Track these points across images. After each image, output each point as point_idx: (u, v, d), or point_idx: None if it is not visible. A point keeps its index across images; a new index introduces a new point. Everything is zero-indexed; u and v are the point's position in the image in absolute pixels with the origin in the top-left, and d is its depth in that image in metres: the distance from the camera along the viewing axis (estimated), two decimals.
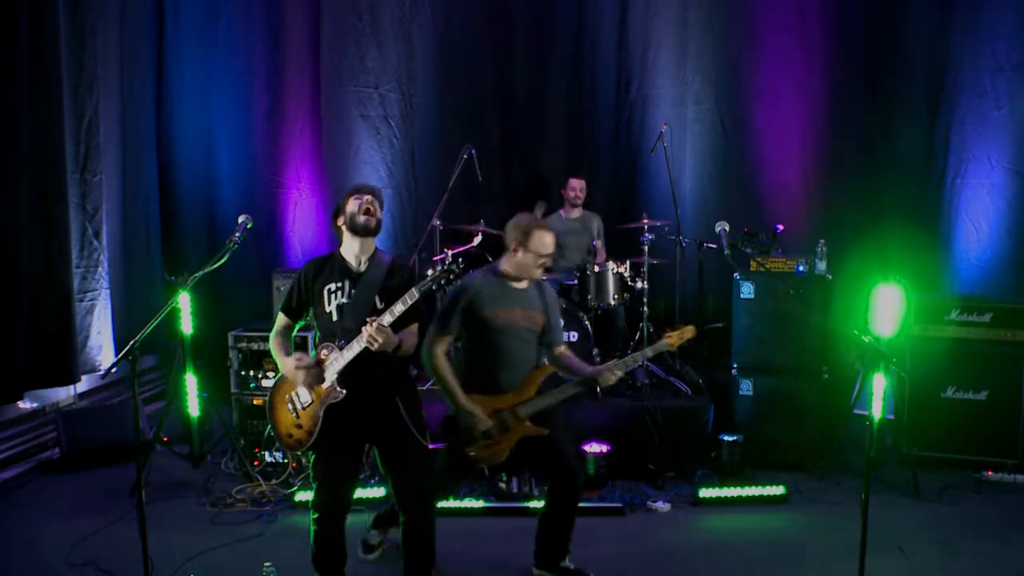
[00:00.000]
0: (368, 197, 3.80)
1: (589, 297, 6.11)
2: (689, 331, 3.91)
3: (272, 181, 7.56)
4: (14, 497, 5.37)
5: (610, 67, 7.46)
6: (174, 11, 7.40)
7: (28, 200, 5.58)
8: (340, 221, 3.82)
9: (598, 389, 4.21)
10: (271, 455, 5.58)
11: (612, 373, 3.85)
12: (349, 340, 3.59)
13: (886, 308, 5.35)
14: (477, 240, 6.47)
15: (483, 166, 6.67)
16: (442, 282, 3.56)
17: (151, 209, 7.35)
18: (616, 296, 6.15)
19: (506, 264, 4.00)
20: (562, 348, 4.11)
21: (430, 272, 3.62)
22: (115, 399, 6.70)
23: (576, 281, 6.26)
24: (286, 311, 3.86)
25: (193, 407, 5.77)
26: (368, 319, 3.50)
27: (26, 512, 5.12)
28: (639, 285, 6.24)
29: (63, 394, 6.28)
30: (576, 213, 6.96)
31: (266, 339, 5.60)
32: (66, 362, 5.88)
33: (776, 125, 7.21)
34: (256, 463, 5.59)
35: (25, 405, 5.94)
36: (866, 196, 7.00)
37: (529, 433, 3.89)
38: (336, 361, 3.63)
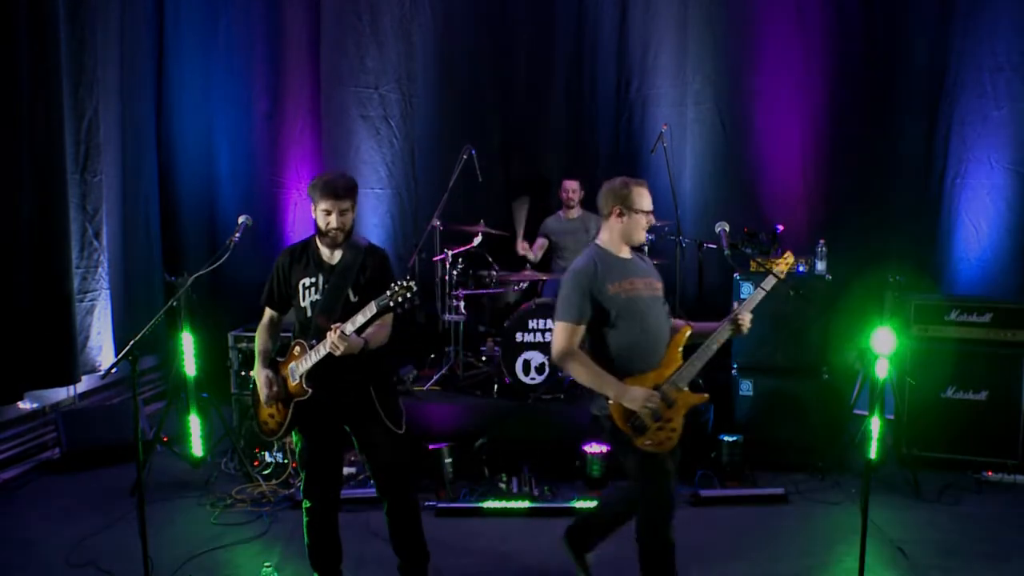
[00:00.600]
0: (337, 212, 3.60)
1: None
2: (791, 257, 3.81)
3: (272, 181, 7.57)
4: (14, 497, 5.37)
5: (610, 67, 7.45)
6: (174, 11, 7.41)
7: (28, 201, 5.58)
8: (313, 214, 3.70)
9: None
10: (271, 455, 5.58)
11: (743, 319, 3.55)
12: (319, 339, 3.56)
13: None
14: (477, 240, 6.47)
15: (483, 166, 6.69)
16: (400, 300, 3.39)
17: (151, 209, 7.36)
18: None
19: (607, 236, 3.70)
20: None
21: (392, 287, 3.40)
22: (115, 399, 6.71)
23: None
24: (270, 304, 3.84)
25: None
26: (332, 326, 3.46)
27: (26, 512, 5.12)
28: None
29: (63, 394, 6.29)
30: (575, 213, 6.96)
31: None
32: (66, 362, 5.88)
33: (776, 125, 7.21)
34: (256, 463, 5.59)
35: (25, 405, 5.94)
36: (866, 196, 7.00)
37: (693, 401, 3.54)
38: (304, 361, 3.62)
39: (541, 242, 6.97)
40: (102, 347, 6.43)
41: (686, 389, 3.53)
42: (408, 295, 3.38)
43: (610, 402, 3.48)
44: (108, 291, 6.50)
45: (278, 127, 7.54)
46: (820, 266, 5.84)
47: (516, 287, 6.37)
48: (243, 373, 5.73)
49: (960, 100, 6.71)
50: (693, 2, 7.23)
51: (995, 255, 6.65)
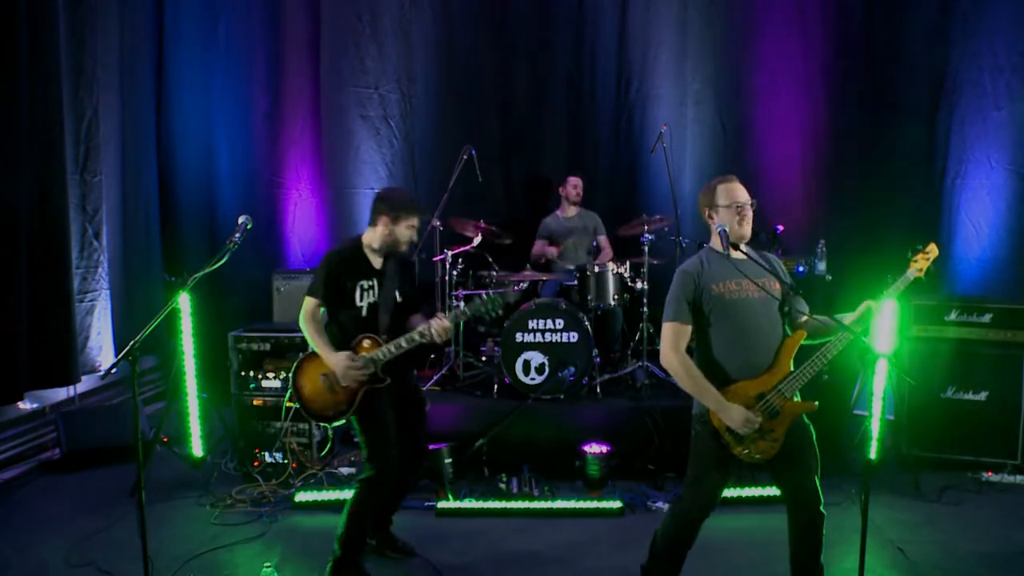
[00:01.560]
0: (415, 227, 4.15)
1: (589, 297, 6.11)
2: (933, 250, 3.46)
3: (272, 181, 7.57)
4: (14, 497, 5.36)
5: (610, 67, 7.46)
6: (174, 11, 7.41)
7: (28, 201, 5.58)
8: (382, 223, 4.10)
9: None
10: (271, 456, 5.58)
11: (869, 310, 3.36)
12: (391, 334, 4.05)
13: (884, 325, 5.33)
14: (477, 240, 6.47)
15: (483, 166, 6.69)
16: (489, 309, 4.09)
17: (151, 209, 7.36)
18: (616, 297, 6.14)
19: (713, 237, 3.59)
20: (805, 316, 3.59)
21: (480, 297, 4.12)
22: (115, 399, 6.71)
23: (576, 282, 6.27)
24: (316, 295, 4.09)
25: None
26: (437, 315, 4.03)
27: (26, 512, 5.11)
28: (639, 285, 6.25)
29: (63, 394, 6.28)
30: (573, 211, 6.96)
31: (266, 340, 5.66)
32: (66, 363, 5.88)
33: (776, 126, 7.22)
34: (256, 463, 5.59)
35: (25, 406, 5.94)
36: (866, 196, 7.01)
37: (801, 410, 3.42)
38: (386, 354, 4.01)
39: (541, 243, 6.97)
40: (102, 347, 6.43)
41: (794, 398, 3.41)
42: (497, 310, 4.10)
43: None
44: (108, 291, 6.50)
45: (278, 127, 7.55)
46: (820, 266, 5.85)
47: (516, 287, 6.37)
48: (243, 373, 5.72)
49: (960, 100, 6.72)
50: (693, 2, 7.25)
51: (995, 255, 6.65)
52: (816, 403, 3.45)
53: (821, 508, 3.44)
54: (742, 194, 3.53)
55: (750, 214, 3.52)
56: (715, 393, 3.37)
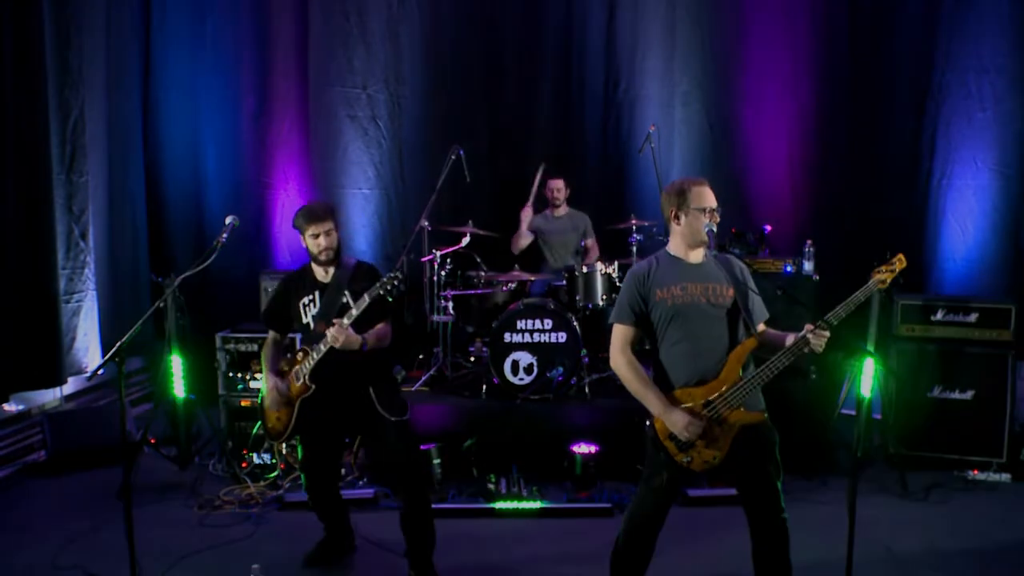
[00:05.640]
0: (323, 233, 4.00)
1: (577, 298, 6.12)
2: (901, 261, 3.35)
3: (259, 182, 7.54)
4: (0, 500, 5.33)
5: (598, 68, 7.46)
6: (160, 10, 7.37)
7: (13, 201, 5.55)
8: (304, 243, 4.09)
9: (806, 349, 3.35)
10: (259, 457, 5.57)
11: (820, 335, 3.23)
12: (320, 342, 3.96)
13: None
14: (465, 241, 6.47)
15: (471, 167, 6.67)
16: (389, 288, 3.79)
17: (138, 210, 7.31)
18: (604, 297, 6.15)
19: (673, 241, 3.53)
20: (761, 326, 3.51)
21: (382, 279, 3.85)
22: (101, 401, 6.67)
23: (564, 282, 6.27)
24: (270, 326, 4.29)
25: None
26: (333, 320, 3.87)
27: (12, 515, 5.08)
28: None
29: (49, 396, 6.25)
30: (561, 212, 6.97)
31: (254, 340, 5.65)
32: (52, 364, 5.85)
33: (763, 126, 7.24)
34: (244, 465, 5.57)
35: (10, 407, 5.91)
36: (853, 197, 7.04)
37: (749, 420, 3.37)
38: (307, 362, 4.00)
39: (528, 234, 6.95)
40: (88, 348, 6.39)
41: (741, 408, 3.35)
42: (396, 282, 3.78)
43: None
44: (95, 292, 6.45)
45: (265, 127, 7.51)
46: (808, 266, 5.87)
47: (504, 287, 6.37)
48: (231, 374, 5.71)
49: (946, 101, 6.75)
50: (681, 4, 7.26)
51: (981, 255, 6.69)
52: (764, 414, 3.43)
53: (783, 515, 3.46)
54: (711, 199, 3.45)
55: (717, 219, 3.45)
56: (657, 397, 3.36)
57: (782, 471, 3.47)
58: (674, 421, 3.31)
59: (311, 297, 4.08)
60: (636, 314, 3.45)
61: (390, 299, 3.85)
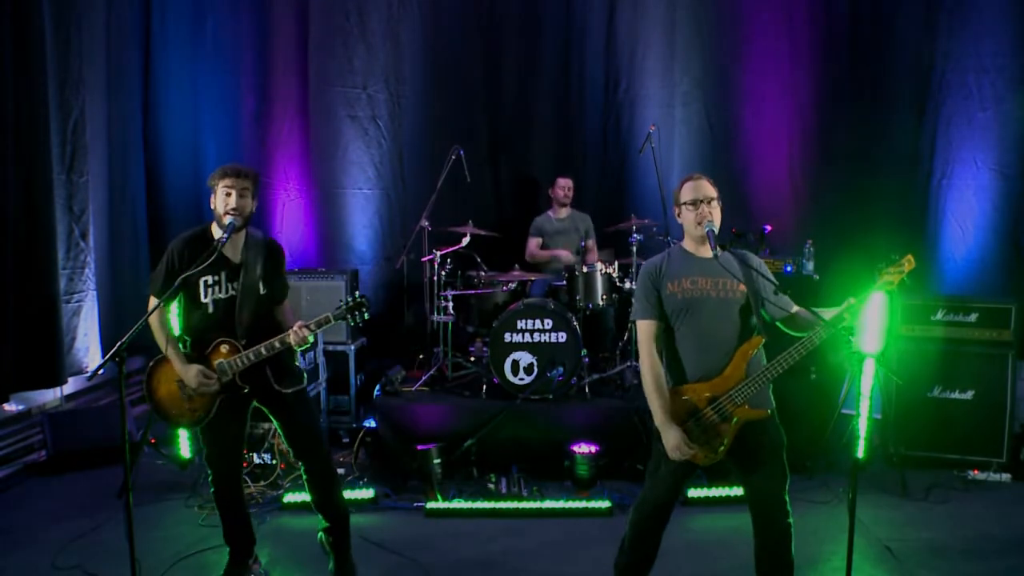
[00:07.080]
0: (236, 191, 3.73)
1: (578, 298, 6.11)
2: (910, 262, 3.31)
3: (259, 182, 7.52)
4: (0, 500, 5.33)
5: (598, 68, 7.47)
6: (160, 10, 7.37)
7: (14, 201, 5.55)
8: (212, 204, 3.79)
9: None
10: (259, 457, 5.56)
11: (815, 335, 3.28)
12: (249, 337, 3.77)
13: (872, 322, 5.35)
14: (465, 241, 6.46)
15: (471, 167, 6.68)
16: (355, 313, 3.73)
17: (138, 210, 7.31)
18: (604, 297, 6.15)
19: (685, 235, 3.57)
20: (795, 310, 3.51)
21: (345, 300, 3.78)
22: (102, 401, 6.67)
23: (564, 282, 6.27)
24: (160, 296, 3.72)
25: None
26: (298, 325, 3.70)
27: (12, 515, 5.08)
28: (627, 286, 6.26)
29: (49, 396, 6.25)
30: (564, 213, 6.97)
31: None
32: (52, 364, 5.85)
33: (763, 126, 7.24)
34: (244, 464, 5.56)
35: (11, 407, 5.91)
36: (853, 197, 7.03)
37: (752, 417, 3.37)
38: (244, 362, 3.77)
39: (537, 241, 6.97)
40: (89, 348, 6.39)
41: (746, 405, 3.35)
42: (362, 311, 3.73)
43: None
44: (95, 292, 6.46)
45: (266, 127, 7.51)
46: (808, 266, 5.87)
47: (504, 287, 6.37)
48: None
49: (946, 101, 6.75)
50: (681, 3, 7.26)
51: (981, 255, 6.69)
52: (769, 412, 3.43)
53: (788, 520, 3.44)
54: (700, 191, 3.43)
55: (708, 211, 3.42)
56: (662, 407, 3.37)
57: (789, 476, 3.45)
58: (667, 439, 3.33)
59: (216, 279, 3.76)
60: (654, 306, 3.46)
61: (354, 324, 3.82)
